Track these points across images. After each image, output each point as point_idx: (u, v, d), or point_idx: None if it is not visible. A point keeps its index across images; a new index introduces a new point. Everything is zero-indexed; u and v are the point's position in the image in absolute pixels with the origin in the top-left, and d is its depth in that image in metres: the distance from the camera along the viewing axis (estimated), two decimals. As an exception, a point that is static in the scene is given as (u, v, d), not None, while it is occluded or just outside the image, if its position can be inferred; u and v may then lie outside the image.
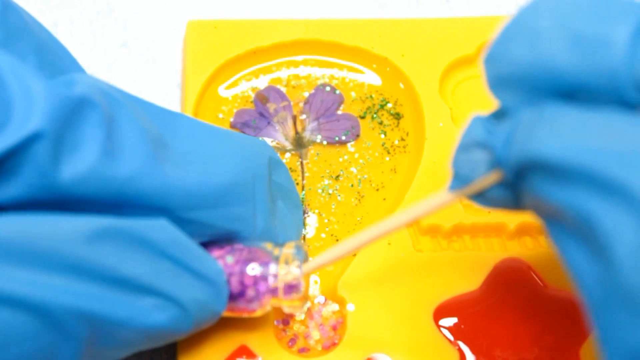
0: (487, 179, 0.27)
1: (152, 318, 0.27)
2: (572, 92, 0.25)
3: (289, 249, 0.31)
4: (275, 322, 0.34)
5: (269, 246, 0.31)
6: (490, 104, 0.39)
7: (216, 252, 0.31)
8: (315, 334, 0.34)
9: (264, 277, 0.30)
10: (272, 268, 0.31)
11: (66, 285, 0.25)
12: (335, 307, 0.35)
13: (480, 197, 0.28)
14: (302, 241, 0.32)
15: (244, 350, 0.33)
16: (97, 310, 0.26)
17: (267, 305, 0.31)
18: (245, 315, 0.31)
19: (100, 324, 0.26)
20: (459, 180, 0.28)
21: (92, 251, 0.26)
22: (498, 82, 0.26)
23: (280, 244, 0.32)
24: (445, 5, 0.44)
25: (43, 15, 0.44)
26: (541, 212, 0.26)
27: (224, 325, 0.33)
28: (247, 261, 0.30)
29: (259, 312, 0.31)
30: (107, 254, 0.26)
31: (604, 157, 0.23)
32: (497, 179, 0.27)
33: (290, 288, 0.31)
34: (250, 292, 0.30)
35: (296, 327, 0.35)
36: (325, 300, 0.35)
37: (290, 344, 0.34)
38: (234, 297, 0.30)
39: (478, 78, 0.40)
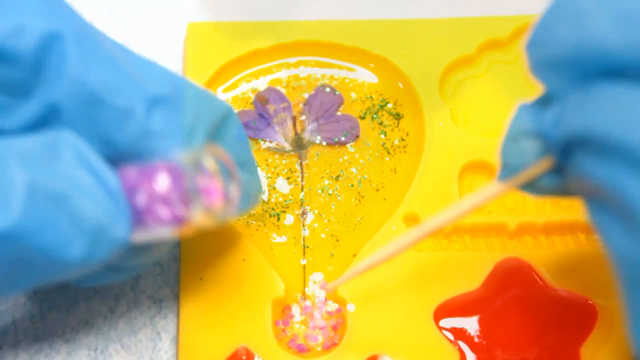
0: (537, 167, 0.27)
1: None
2: (618, 70, 0.24)
3: (198, 153, 0.28)
4: (275, 323, 0.34)
5: (183, 157, 0.28)
6: (489, 104, 0.40)
7: (130, 171, 0.28)
8: (315, 334, 0.34)
9: (173, 189, 0.27)
10: (186, 176, 0.27)
11: None
12: (335, 307, 0.35)
13: (531, 186, 0.28)
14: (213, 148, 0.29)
15: (244, 351, 0.33)
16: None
17: (183, 219, 0.27)
18: (171, 233, 0.28)
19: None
20: (509, 170, 0.28)
21: None
22: (543, 66, 0.26)
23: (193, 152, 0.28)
24: (445, 5, 0.44)
25: (43, 16, 0.44)
26: (584, 193, 0.26)
27: (224, 326, 0.34)
28: (159, 175, 0.27)
29: (188, 229, 0.28)
30: None
31: None
32: (547, 167, 0.27)
33: (202, 192, 0.27)
34: (158, 207, 0.27)
35: (296, 328, 0.35)
36: (326, 300, 0.35)
37: (290, 344, 0.34)
38: (142, 213, 0.27)
39: (478, 78, 0.40)
